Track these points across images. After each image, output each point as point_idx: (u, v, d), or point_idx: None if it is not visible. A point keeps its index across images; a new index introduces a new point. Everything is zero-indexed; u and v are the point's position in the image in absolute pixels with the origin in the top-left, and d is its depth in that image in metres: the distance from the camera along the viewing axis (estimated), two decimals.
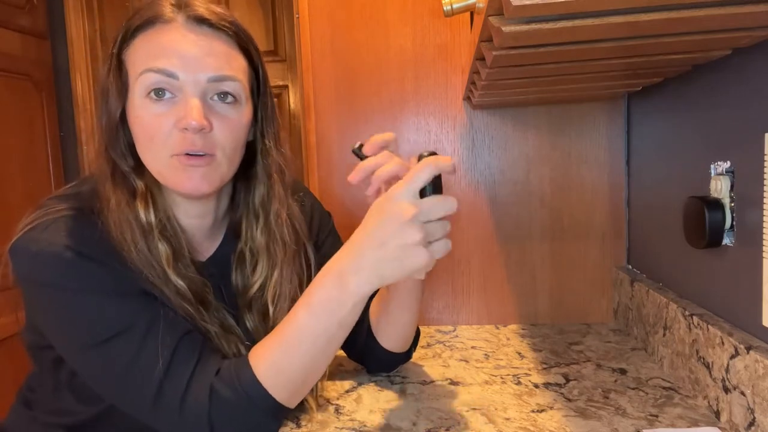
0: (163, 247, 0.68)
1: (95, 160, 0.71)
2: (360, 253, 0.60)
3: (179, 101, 0.66)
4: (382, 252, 0.58)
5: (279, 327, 0.65)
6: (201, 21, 0.68)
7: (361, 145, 0.69)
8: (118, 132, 0.70)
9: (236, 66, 0.70)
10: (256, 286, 0.77)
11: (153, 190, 0.71)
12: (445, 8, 0.75)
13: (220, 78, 0.67)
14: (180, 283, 0.68)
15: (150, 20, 0.67)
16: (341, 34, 1.16)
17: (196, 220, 0.76)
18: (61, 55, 2.36)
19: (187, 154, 0.66)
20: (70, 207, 0.67)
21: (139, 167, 0.71)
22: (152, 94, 0.66)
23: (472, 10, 0.78)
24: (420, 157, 0.61)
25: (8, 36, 2.08)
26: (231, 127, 0.69)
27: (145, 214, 0.69)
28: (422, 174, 0.59)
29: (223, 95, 0.68)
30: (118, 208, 0.67)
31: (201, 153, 0.67)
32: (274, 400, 0.63)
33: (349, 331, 0.65)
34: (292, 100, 2.58)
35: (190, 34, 0.67)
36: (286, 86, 2.57)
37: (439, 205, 0.59)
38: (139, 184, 0.70)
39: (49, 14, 2.32)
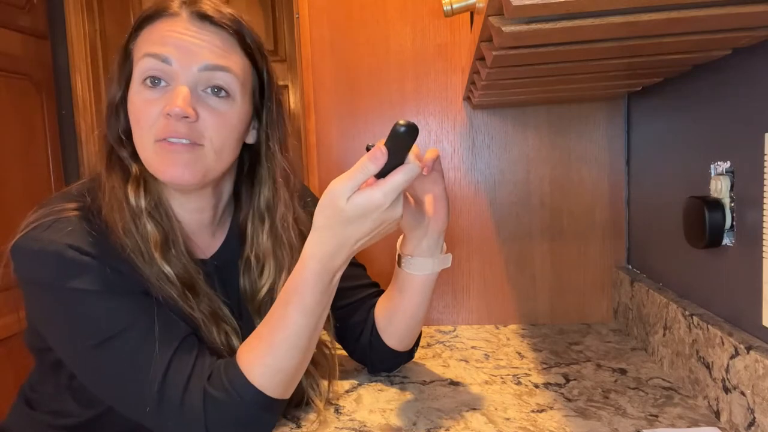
0: (151, 229, 0.69)
1: (103, 143, 0.74)
2: (349, 249, 0.63)
3: (170, 89, 0.68)
4: (372, 239, 0.63)
5: (270, 331, 0.65)
6: (204, 17, 0.69)
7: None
8: (118, 117, 0.72)
9: (232, 61, 0.70)
10: (264, 290, 0.77)
11: (146, 176, 0.72)
12: (445, 8, 0.75)
13: (212, 67, 0.68)
14: (167, 268, 0.68)
15: (157, 13, 0.70)
16: (341, 34, 1.16)
17: (195, 214, 0.77)
18: (61, 55, 2.35)
19: (170, 141, 0.67)
20: (73, 206, 0.67)
21: (136, 153, 0.72)
22: (147, 81, 0.68)
23: (472, 10, 0.78)
24: (368, 148, 0.61)
25: (8, 36, 2.08)
26: (220, 120, 0.69)
27: (135, 198, 0.69)
28: (399, 183, 0.60)
29: (216, 89, 0.69)
30: (111, 191, 0.69)
31: (184, 140, 0.67)
32: (269, 397, 0.64)
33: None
34: (292, 100, 2.58)
35: (192, 27, 0.69)
36: (286, 86, 2.58)
37: (402, 179, 0.60)
38: (134, 169, 0.71)
39: (49, 14, 2.31)
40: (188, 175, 0.68)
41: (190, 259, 0.72)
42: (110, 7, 2.48)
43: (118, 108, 0.72)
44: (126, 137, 0.72)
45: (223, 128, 0.70)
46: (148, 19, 0.70)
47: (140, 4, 2.55)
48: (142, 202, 0.70)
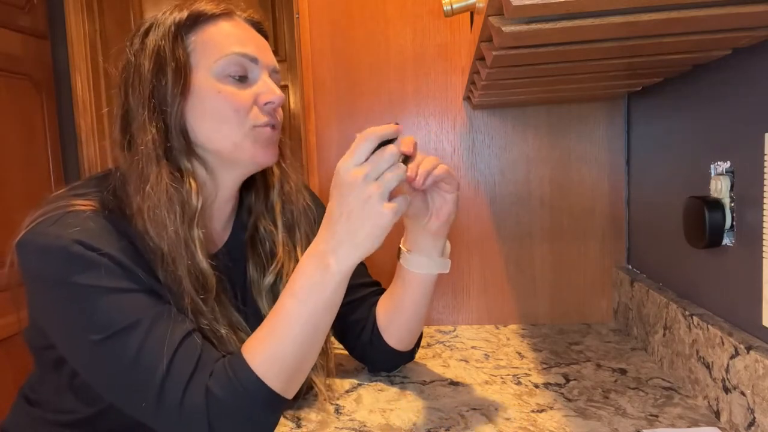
0: (197, 233, 0.69)
1: (140, 138, 0.68)
2: (332, 230, 0.63)
3: (253, 82, 0.74)
4: (351, 222, 0.62)
5: (268, 317, 0.66)
6: (252, 23, 0.78)
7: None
8: (179, 111, 0.70)
9: None
10: (272, 276, 0.79)
11: (201, 174, 0.74)
12: (445, 8, 0.75)
13: (277, 70, 0.78)
14: (210, 271, 0.69)
15: (214, 13, 0.73)
16: (341, 34, 1.16)
17: (226, 205, 0.79)
18: (61, 55, 2.35)
19: (270, 126, 0.74)
20: (85, 202, 0.67)
21: (189, 149, 0.72)
22: (235, 75, 0.72)
23: (472, 10, 0.78)
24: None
25: (8, 36, 2.08)
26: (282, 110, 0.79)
27: (196, 197, 0.70)
28: (363, 146, 0.63)
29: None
30: (162, 189, 0.67)
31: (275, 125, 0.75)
32: (270, 390, 0.63)
33: (336, 312, 0.66)
34: (292, 100, 2.58)
35: (252, 29, 0.77)
36: (286, 86, 2.57)
37: (380, 156, 0.63)
38: (187, 166, 0.72)
39: (49, 14, 2.32)
40: (276, 157, 0.77)
41: (210, 259, 0.72)
42: (110, 7, 2.48)
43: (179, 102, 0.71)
44: (179, 132, 0.71)
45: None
46: (209, 17, 0.73)
47: (140, 5, 2.55)
48: (199, 203, 0.70)
